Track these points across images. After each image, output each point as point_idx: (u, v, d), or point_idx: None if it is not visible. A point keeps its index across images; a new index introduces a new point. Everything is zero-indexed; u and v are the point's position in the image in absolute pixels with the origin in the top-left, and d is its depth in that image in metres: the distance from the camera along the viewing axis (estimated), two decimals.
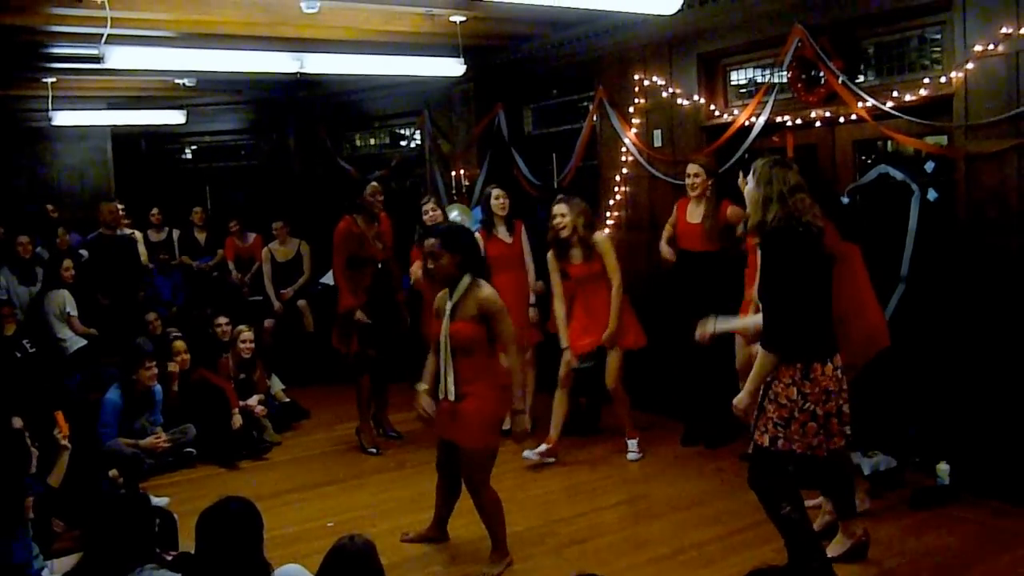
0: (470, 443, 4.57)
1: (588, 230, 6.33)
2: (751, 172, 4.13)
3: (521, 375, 4.86)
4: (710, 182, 6.35)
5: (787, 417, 3.97)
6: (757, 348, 4.21)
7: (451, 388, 4.58)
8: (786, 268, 3.93)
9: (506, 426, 7.06)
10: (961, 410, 5.38)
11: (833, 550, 4.44)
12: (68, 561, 4.24)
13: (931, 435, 5.52)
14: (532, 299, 7.07)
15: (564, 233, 6.32)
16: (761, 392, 4.06)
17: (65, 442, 5.18)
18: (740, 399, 4.16)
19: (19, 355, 7.40)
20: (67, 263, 8.14)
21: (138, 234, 9.46)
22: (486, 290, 4.56)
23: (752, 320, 4.54)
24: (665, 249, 6.61)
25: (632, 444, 6.56)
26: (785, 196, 3.96)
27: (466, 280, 4.56)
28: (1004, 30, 5.07)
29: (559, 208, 6.34)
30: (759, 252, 4.14)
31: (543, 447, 6.47)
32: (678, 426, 6.87)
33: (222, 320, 7.69)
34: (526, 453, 6.39)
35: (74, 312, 8.00)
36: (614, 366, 6.43)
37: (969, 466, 5.30)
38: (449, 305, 4.58)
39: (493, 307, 4.52)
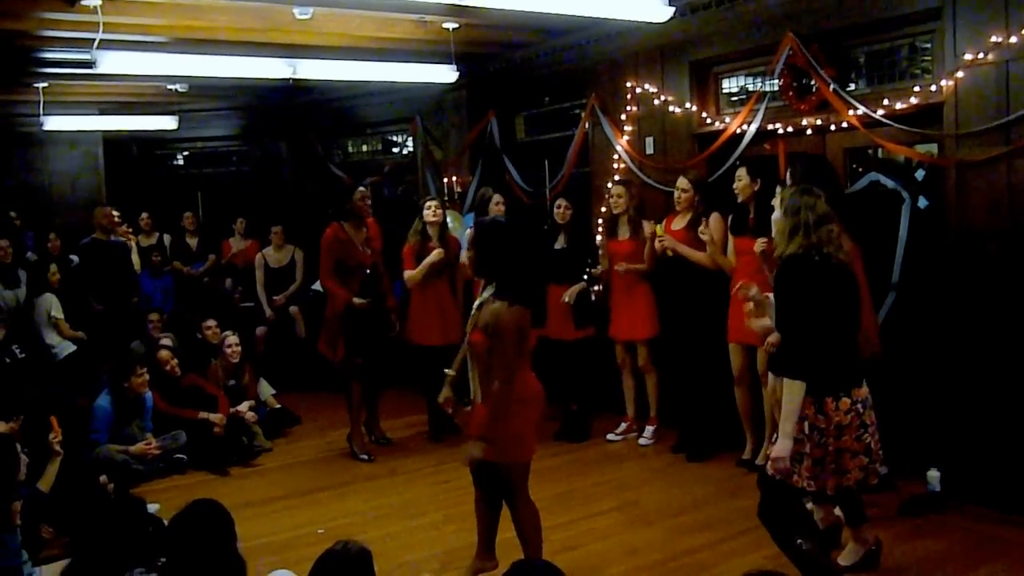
0: (495, 458, 4.28)
1: (638, 212, 6.85)
2: (778, 200, 4.05)
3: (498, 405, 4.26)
4: (697, 197, 6.49)
5: (800, 452, 3.83)
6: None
7: (477, 392, 4.46)
8: (797, 298, 3.84)
9: None
10: (952, 417, 5.39)
11: (846, 559, 4.42)
12: (57, 568, 4.22)
13: (922, 442, 5.53)
14: None
15: (617, 210, 6.85)
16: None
17: (58, 447, 5.17)
18: (780, 448, 3.84)
19: (8, 360, 7.38)
20: (52, 268, 8.12)
21: (132, 241, 9.39)
22: (502, 310, 4.17)
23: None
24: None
25: (648, 431, 6.94)
26: (811, 227, 3.86)
27: (492, 287, 4.31)
28: (994, 39, 5.09)
29: (617, 189, 6.90)
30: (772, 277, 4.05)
31: (623, 426, 7.15)
32: (671, 433, 6.88)
33: (211, 323, 7.70)
34: (609, 436, 7.10)
35: (60, 315, 7.98)
36: (645, 350, 6.89)
37: (960, 473, 5.32)
38: (474, 308, 4.39)
39: (496, 326, 4.16)
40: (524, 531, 4.40)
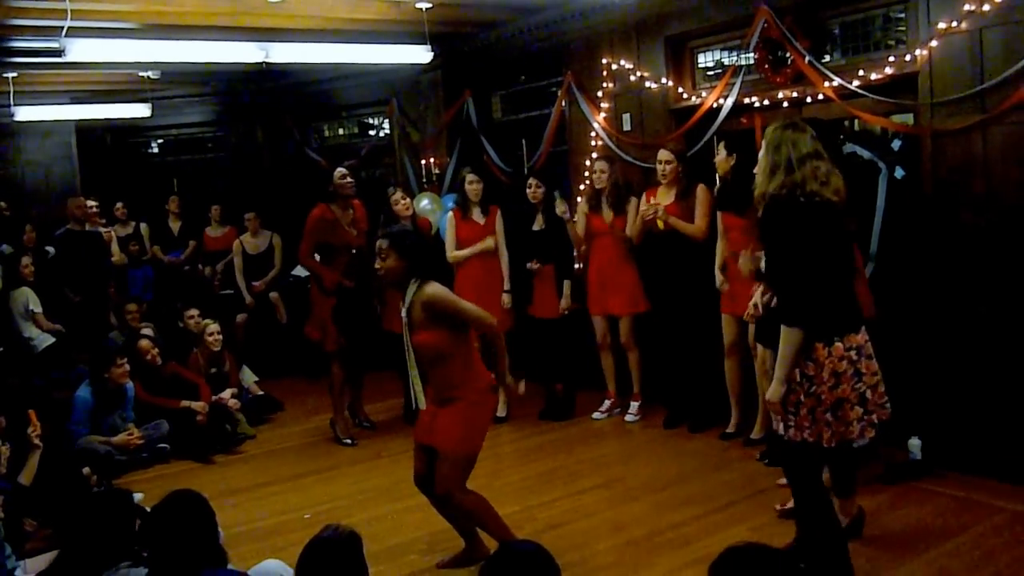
0: (449, 445, 4.28)
1: (620, 188, 6.84)
2: (764, 137, 3.83)
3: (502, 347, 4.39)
4: (680, 169, 6.46)
5: (796, 401, 3.68)
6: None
7: (421, 398, 4.38)
8: (779, 241, 3.65)
9: (501, 413, 7.12)
10: (932, 385, 5.43)
11: None
12: (41, 560, 4.20)
13: (902, 410, 5.55)
14: (507, 285, 7.07)
15: (599, 185, 6.82)
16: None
17: (37, 441, 5.14)
18: (773, 391, 3.71)
19: None
20: (25, 261, 8.02)
21: (112, 232, 9.29)
22: (428, 289, 4.25)
23: None
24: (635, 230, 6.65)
25: (634, 407, 6.96)
26: (793, 164, 3.61)
27: (413, 285, 4.31)
28: (967, 7, 5.10)
29: (600, 164, 6.87)
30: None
31: (606, 403, 7.13)
32: (657, 409, 6.92)
33: (193, 312, 7.66)
34: (594, 414, 7.11)
35: (38, 309, 7.90)
36: (627, 326, 6.87)
37: (940, 440, 5.36)
38: (403, 312, 4.36)
39: (439, 303, 4.22)
40: (475, 518, 4.43)
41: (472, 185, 7.07)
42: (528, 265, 7.06)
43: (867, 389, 3.75)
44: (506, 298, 7.05)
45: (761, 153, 3.82)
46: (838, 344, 3.65)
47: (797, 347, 3.61)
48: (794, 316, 3.61)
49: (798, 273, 3.61)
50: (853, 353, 3.69)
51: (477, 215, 7.07)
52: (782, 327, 3.65)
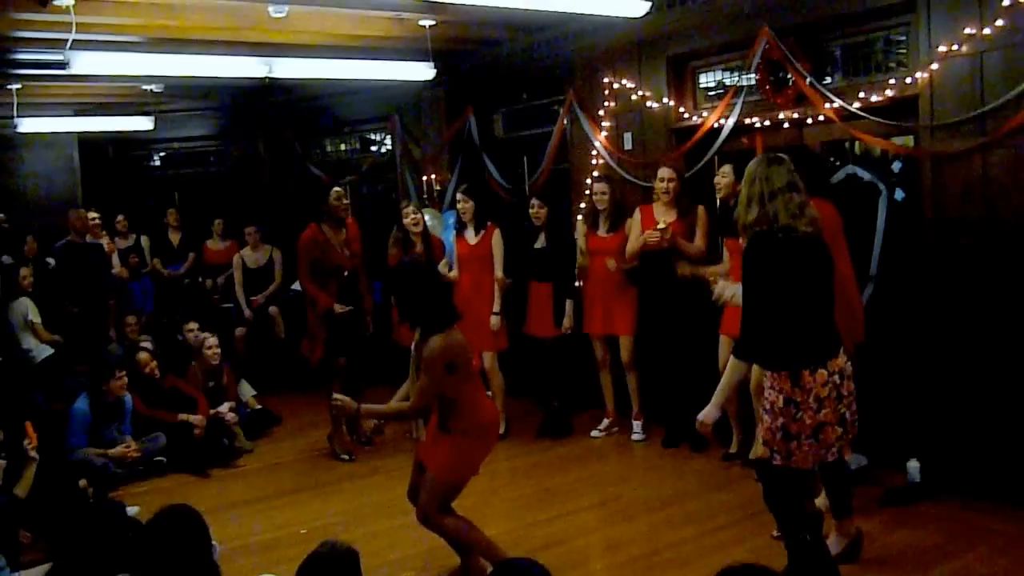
0: (436, 465, 4.41)
1: (618, 208, 6.87)
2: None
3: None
4: (680, 188, 6.50)
5: (774, 427, 3.80)
6: None
7: (421, 430, 4.49)
8: (760, 275, 3.78)
9: (500, 430, 7.09)
10: (931, 407, 5.42)
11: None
12: (35, 572, 4.19)
13: (901, 433, 5.56)
14: (497, 307, 7.00)
15: (601, 206, 6.85)
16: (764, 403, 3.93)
17: (34, 453, 5.13)
18: (706, 413, 3.96)
19: None
20: (24, 272, 8.01)
21: (112, 245, 9.30)
22: (433, 340, 4.30)
23: None
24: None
25: (636, 426, 6.93)
26: (765, 198, 3.78)
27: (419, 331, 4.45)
28: (968, 30, 5.12)
29: (600, 186, 6.87)
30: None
31: (605, 422, 7.11)
32: (657, 428, 6.89)
33: (192, 325, 7.66)
34: (593, 433, 7.09)
35: (37, 320, 7.89)
36: (628, 345, 6.84)
37: (939, 463, 5.35)
38: (413, 347, 4.48)
39: (427, 356, 4.29)
40: (458, 540, 4.45)
41: (461, 205, 7.08)
42: (565, 329, 7.04)
43: (845, 410, 3.88)
44: (495, 320, 6.96)
45: (742, 185, 3.96)
46: (822, 371, 3.79)
47: (739, 379, 3.90)
48: (746, 350, 3.86)
49: (777, 305, 3.76)
50: (836, 377, 3.83)
51: (469, 234, 7.07)
52: (731, 358, 3.90)
